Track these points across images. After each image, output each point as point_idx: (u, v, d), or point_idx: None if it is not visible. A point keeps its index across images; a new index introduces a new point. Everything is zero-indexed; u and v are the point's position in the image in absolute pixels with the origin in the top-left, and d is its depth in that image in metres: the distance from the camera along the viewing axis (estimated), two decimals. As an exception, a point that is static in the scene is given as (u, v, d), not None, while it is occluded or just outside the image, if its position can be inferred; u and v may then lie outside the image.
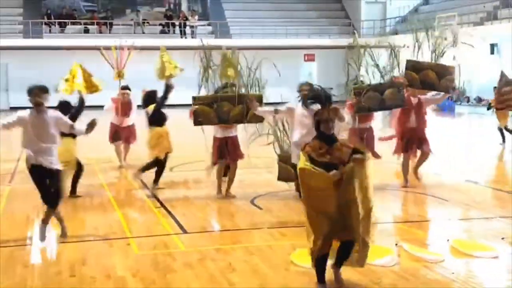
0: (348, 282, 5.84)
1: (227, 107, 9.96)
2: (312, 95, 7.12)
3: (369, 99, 10.57)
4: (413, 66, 11.12)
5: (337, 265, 5.95)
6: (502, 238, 7.81)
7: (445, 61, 11.47)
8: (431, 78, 10.98)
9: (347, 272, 5.97)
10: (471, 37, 27.89)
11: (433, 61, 11.36)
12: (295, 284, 6.22)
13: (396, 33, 37.01)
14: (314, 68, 37.19)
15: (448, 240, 7.68)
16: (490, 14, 31.86)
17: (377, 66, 11.23)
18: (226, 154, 10.21)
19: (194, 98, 10.17)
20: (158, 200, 10.30)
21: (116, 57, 13.33)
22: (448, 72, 11.11)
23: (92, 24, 36.85)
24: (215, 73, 10.49)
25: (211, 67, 10.47)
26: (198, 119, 10.02)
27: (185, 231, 8.44)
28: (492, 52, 31.97)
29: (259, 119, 10.30)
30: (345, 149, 5.77)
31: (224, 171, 10.76)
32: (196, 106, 10.02)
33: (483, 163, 14.57)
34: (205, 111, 9.93)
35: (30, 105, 7.69)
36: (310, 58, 37.93)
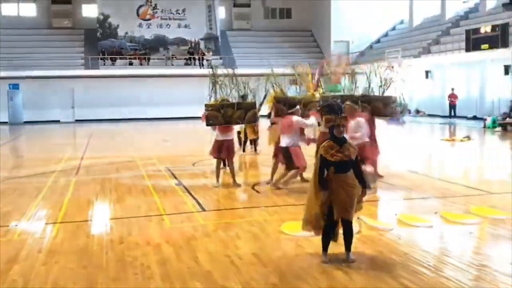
0: (319, 245, 5.83)
1: (230, 111, 10.00)
2: (327, 105, 7.10)
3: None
4: (364, 97, 10.74)
5: (347, 249, 5.70)
6: (435, 213, 7.82)
7: (393, 86, 11.38)
8: (379, 107, 10.70)
9: (318, 239, 5.95)
10: (411, 66, 28.11)
11: (380, 93, 11.08)
12: (284, 247, 6.24)
13: (357, 63, 36.98)
14: (297, 89, 37.13)
15: (395, 214, 7.69)
16: (425, 49, 31.86)
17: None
18: (223, 152, 10.18)
19: (206, 106, 10.18)
20: (185, 187, 10.31)
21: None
22: (391, 101, 10.88)
23: (135, 58, 36.87)
24: (221, 87, 10.55)
25: (218, 83, 10.54)
26: (209, 121, 10.01)
27: (203, 209, 8.45)
28: (426, 77, 31.98)
29: (253, 121, 10.43)
30: (352, 149, 5.70)
31: (224, 163, 10.85)
32: (207, 112, 10.02)
33: (421, 157, 14.58)
34: (214, 115, 9.95)
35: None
36: (293, 82, 37.82)
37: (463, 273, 5.34)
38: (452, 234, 6.91)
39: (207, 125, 10.13)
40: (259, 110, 10.95)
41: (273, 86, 10.81)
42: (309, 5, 40.70)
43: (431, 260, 5.75)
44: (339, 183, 5.59)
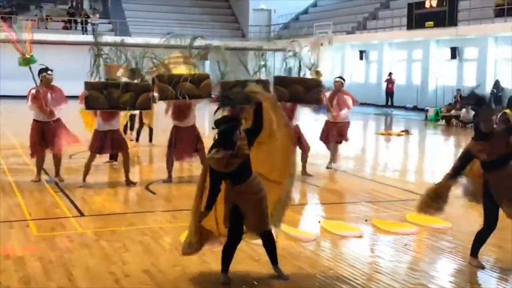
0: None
1: (116, 94, 9.74)
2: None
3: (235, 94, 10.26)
4: (281, 81, 10.93)
5: (275, 264, 5.78)
6: (366, 220, 8.09)
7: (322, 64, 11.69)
8: (299, 91, 10.88)
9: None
10: (344, 44, 28.82)
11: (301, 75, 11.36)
12: (185, 262, 6.19)
13: (280, 38, 37.49)
14: (207, 65, 37.06)
15: (319, 221, 7.88)
16: (361, 24, 32.81)
17: (264, 66, 11.24)
18: (107, 148, 10.06)
19: (86, 84, 9.90)
20: (57, 185, 10.02)
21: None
22: (316, 85, 11.10)
23: (-5, 18, 35.41)
24: (106, 61, 10.33)
25: (103, 56, 10.27)
26: (89, 104, 9.76)
27: (82, 214, 8.26)
28: (361, 58, 32.99)
29: (147, 107, 10.26)
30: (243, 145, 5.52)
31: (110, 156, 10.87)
32: (87, 92, 9.74)
33: (352, 154, 15.00)
34: (95, 96, 9.68)
35: None
36: (203, 56, 37.68)
37: (395, 292, 5.56)
38: (384, 246, 7.17)
39: (87, 108, 9.90)
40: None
41: (152, 59, 10.59)
42: (223, -37, 40.82)
43: (359, 278, 5.93)
44: (237, 198, 5.56)
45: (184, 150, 10.31)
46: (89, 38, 31.03)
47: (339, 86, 11.87)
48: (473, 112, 6.79)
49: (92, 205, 8.88)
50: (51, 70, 10.18)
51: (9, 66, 31.34)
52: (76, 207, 8.60)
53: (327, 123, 11.81)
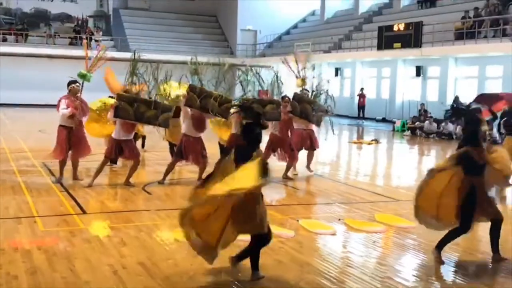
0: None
1: (143, 109, 9.71)
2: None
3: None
4: (298, 98, 11.25)
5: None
6: (339, 219, 8.11)
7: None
8: (308, 110, 11.24)
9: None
10: (321, 61, 28.87)
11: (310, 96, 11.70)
12: (177, 256, 6.17)
13: (264, 56, 37.63)
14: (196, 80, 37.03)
15: (297, 220, 7.88)
16: (336, 45, 32.94)
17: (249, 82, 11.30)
18: (126, 154, 9.95)
19: (119, 95, 9.87)
20: (62, 185, 9.93)
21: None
22: (321, 109, 11.51)
23: (10, 34, 35.02)
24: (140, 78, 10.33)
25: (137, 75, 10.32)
26: (119, 113, 9.66)
27: (84, 212, 8.19)
28: (336, 75, 33.10)
29: (166, 125, 10.18)
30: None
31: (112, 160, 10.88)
32: (120, 103, 9.67)
33: (327, 160, 15.03)
34: (126, 109, 9.63)
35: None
36: (195, 72, 37.61)
37: (365, 285, 5.56)
38: (355, 242, 7.19)
39: (115, 116, 9.75)
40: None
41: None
42: (214, -12, 40.81)
43: (333, 271, 5.94)
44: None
45: (197, 157, 10.31)
46: (93, 53, 30.98)
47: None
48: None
49: (93, 204, 8.82)
50: (79, 83, 10.11)
51: (9, 76, 30.78)
52: (79, 205, 8.52)
53: (296, 131, 11.69)
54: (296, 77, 11.77)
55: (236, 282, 5.45)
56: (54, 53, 33.66)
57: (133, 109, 9.61)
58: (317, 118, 11.50)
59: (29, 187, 9.69)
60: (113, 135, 9.93)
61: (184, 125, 10.41)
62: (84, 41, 12.99)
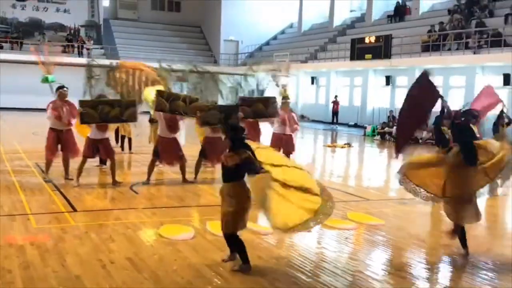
0: (199, 249, 5.82)
1: (107, 109, 9.66)
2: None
3: (211, 115, 10.24)
4: (244, 101, 11.06)
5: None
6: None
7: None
8: (261, 108, 11.07)
9: (198, 242, 5.94)
10: (298, 71, 28.99)
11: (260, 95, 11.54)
12: (161, 251, 6.14)
13: (245, 65, 37.56)
14: (185, 87, 36.90)
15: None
16: (312, 55, 33.08)
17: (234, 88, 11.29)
18: (101, 152, 10.00)
19: (80, 102, 9.75)
20: (54, 185, 9.83)
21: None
22: (272, 101, 11.25)
23: (6, 42, 34.61)
24: (99, 82, 10.22)
25: (93, 77, 10.19)
26: (84, 119, 9.63)
27: (74, 210, 8.11)
28: (312, 83, 33.23)
29: (134, 119, 10.16)
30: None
31: (101, 160, 11.02)
32: (82, 109, 9.60)
33: (303, 162, 15.03)
34: (90, 113, 9.58)
35: None
36: (181, 79, 37.56)
37: (338, 278, 5.58)
38: (329, 239, 7.21)
39: (82, 123, 9.76)
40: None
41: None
42: (199, 0, 40.67)
43: (308, 265, 5.96)
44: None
45: (171, 157, 10.31)
46: (84, 60, 30.79)
47: (287, 104, 11.85)
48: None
49: (83, 202, 8.73)
50: (67, 88, 10.09)
51: (10, 81, 30.39)
52: (69, 203, 8.44)
53: (275, 135, 11.68)
54: (277, 85, 11.75)
55: (218, 276, 5.43)
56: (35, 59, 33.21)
57: (97, 112, 9.60)
58: (271, 110, 11.20)
59: (23, 186, 9.57)
60: (89, 135, 9.91)
61: (159, 127, 10.42)
62: (31, 48, 12.85)
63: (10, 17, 35.89)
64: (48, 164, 10.21)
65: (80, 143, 10.37)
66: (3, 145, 14.88)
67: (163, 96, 10.09)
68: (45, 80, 10.00)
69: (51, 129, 10.07)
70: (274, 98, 11.34)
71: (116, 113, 9.76)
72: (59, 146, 10.14)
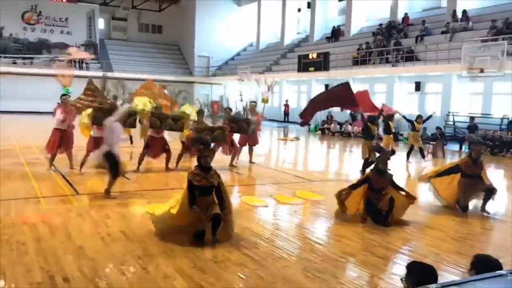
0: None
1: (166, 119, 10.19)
2: (196, 140, 6.89)
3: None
4: (233, 120, 11.27)
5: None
6: (270, 196, 8.16)
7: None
8: (243, 127, 11.21)
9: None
10: (258, 80, 28.93)
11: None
12: (149, 225, 6.03)
13: (215, 75, 37.41)
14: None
15: (239, 196, 7.89)
16: (268, 68, 33.10)
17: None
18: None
19: (95, 109, 9.78)
20: (60, 173, 9.58)
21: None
22: (253, 121, 11.35)
23: (19, 58, 33.45)
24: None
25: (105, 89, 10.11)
26: (96, 121, 9.50)
27: (77, 193, 7.93)
28: (268, 90, 33.22)
29: (134, 126, 10.52)
30: (216, 176, 5.49)
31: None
32: (95, 113, 9.60)
33: (262, 152, 15.09)
34: (98, 116, 9.37)
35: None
36: (163, 87, 37.05)
37: (290, 243, 5.63)
38: (282, 212, 7.27)
39: (93, 124, 9.71)
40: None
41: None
42: (177, 24, 40.14)
43: (266, 233, 5.98)
44: (201, 203, 5.48)
45: (157, 151, 10.37)
46: (84, 72, 30.02)
47: (253, 106, 11.98)
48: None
49: (85, 187, 8.53)
50: (69, 95, 10.17)
51: (21, 90, 29.43)
52: (73, 188, 8.26)
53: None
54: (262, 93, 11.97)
55: (193, 239, 5.38)
56: (53, 73, 32.28)
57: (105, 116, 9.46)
58: (251, 130, 11.40)
59: (35, 175, 9.31)
60: (92, 134, 9.83)
61: (150, 130, 10.43)
62: (54, 65, 12.83)
63: (22, 37, 34.72)
64: (52, 157, 9.94)
65: (81, 141, 10.14)
66: (17, 142, 14.43)
67: (157, 117, 10.29)
68: (66, 91, 9.94)
69: (56, 129, 9.82)
70: (255, 119, 11.53)
71: (170, 123, 10.29)
72: (61, 143, 9.89)
